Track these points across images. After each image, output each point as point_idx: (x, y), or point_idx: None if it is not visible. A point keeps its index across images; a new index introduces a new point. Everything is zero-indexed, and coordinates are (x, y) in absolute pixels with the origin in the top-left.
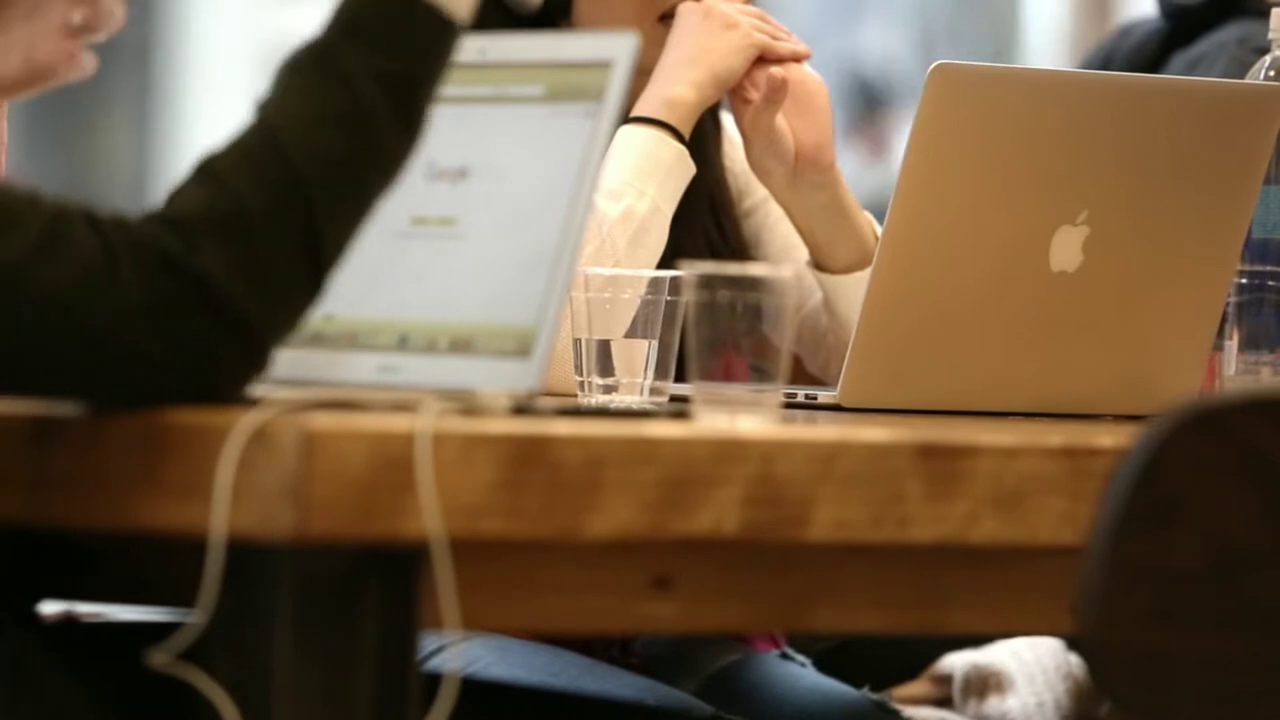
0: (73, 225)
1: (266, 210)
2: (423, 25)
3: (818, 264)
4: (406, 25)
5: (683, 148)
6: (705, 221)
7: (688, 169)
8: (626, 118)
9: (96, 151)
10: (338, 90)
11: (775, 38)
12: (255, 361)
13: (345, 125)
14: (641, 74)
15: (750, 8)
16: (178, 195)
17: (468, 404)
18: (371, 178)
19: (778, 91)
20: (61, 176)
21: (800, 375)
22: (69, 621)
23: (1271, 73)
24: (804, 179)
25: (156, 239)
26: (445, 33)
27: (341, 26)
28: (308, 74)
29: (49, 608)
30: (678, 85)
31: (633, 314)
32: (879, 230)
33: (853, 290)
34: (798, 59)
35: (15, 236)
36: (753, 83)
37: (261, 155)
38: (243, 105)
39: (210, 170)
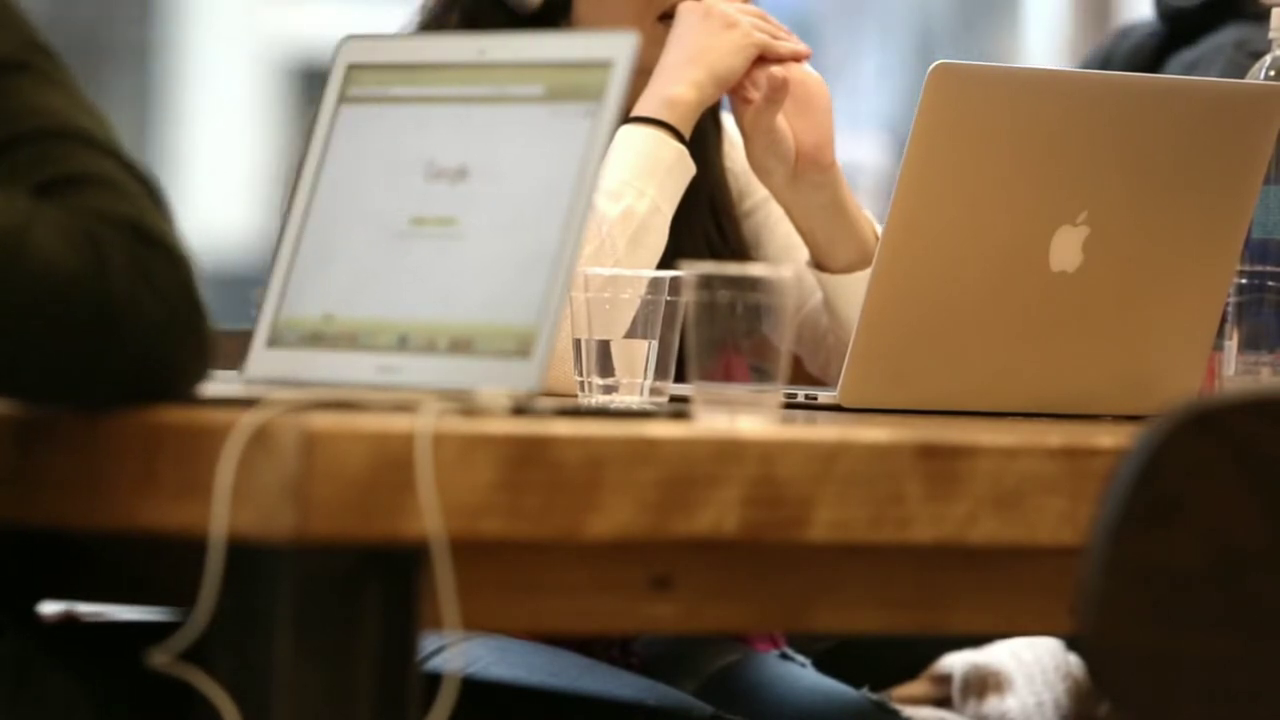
0: (39, 214)
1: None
2: None
3: (818, 264)
4: None
5: (683, 148)
6: (705, 222)
7: (688, 169)
8: (626, 117)
9: None
10: None
11: (775, 37)
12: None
13: None
14: (641, 74)
15: (750, 7)
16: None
17: (468, 404)
18: None
19: (778, 91)
20: None
21: (800, 375)
22: (69, 621)
23: (1271, 73)
24: (804, 179)
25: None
26: None
27: None
28: None
29: (49, 608)
30: (678, 85)
31: (633, 314)
32: (879, 230)
33: (853, 290)
34: (798, 58)
35: None
36: (753, 82)
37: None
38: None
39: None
